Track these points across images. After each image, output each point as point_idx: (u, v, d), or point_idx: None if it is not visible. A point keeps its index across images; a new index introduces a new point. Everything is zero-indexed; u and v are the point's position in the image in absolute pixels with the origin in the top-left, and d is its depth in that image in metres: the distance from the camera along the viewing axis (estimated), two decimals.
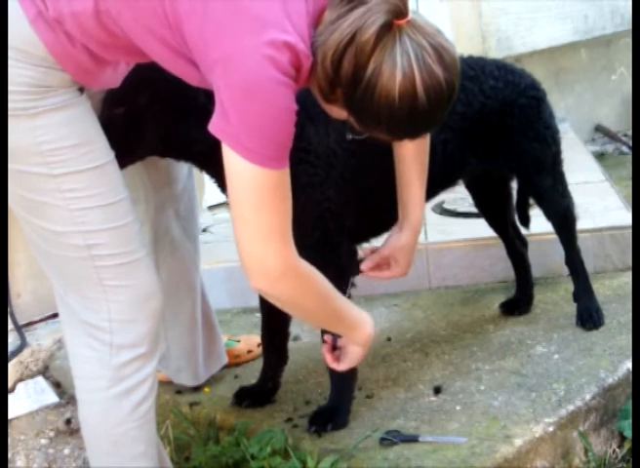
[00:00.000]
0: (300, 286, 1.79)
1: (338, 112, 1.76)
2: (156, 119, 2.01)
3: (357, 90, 1.66)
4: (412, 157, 2.11)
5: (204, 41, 1.64)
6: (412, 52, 1.62)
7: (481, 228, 2.90)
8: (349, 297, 2.22)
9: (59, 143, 1.74)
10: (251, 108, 1.62)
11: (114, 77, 1.89)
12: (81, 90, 1.80)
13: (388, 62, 1.62)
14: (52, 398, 2.79)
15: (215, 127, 1.66)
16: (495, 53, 4.39)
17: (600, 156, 4.69)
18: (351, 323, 1.93)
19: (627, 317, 2.58)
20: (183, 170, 2.33)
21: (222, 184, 2.15)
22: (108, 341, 1.86)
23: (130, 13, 1.68)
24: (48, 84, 1.72)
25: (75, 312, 1.88)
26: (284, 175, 1.71)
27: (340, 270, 2.18)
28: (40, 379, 2.84)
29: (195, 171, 2.32)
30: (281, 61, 1.62)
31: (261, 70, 1.61)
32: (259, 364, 2.45)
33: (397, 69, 1.62)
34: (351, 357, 1.99)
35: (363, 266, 2.16)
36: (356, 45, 1.62)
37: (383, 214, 2.24)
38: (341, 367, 2.02)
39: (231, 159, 1.67)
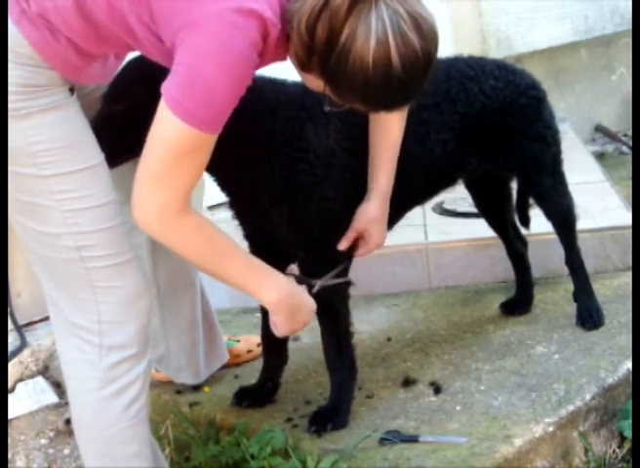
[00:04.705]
0: (177, 236, 1.78)
1: (314, 82, 1.76)
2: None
3: (332, 56, 1.65)
4: (386, 126, 2.09)
5: (172, 11, 1.64)
6: (387, 18, 1.61)
7: (481, 228, 2.89)
8: (346, 297, 2.23)
9: (50, 144, 1.75)
10: (205, 71, 1.62)
11: (104, 72, 1.90)
12: (71, 90, 1.81)
13: (363, 28, 1.61)
14: (52, 398, 2.79)
15: (163, 86, 1.67)
16: (495, 53, 4.39)
17: (600, 156, 4.69)
18: (249, 286, 1.90)
19: (627, 317, 2.58)
20: None
21: (222, 183, 2.16)
22: (98, 343, 1.87)
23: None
24: (37, 83, 1.73)
25: (65, 314, 1.89)
26: (210, 139, 1.70)
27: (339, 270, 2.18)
28: (40, 379, 2.84)
29: None
30: (246, 30, 1.62)
31: (225, 36, 1.61)
32: (259, 364, 2.45)
33: (371, 35, 1.61)
34: (274, 325, 1.98)
35: (340, 246, 2.15)
36: (330, 9, 1.62)
37: None
38: (276, 333, 2.01)
39: (164, 114, 1.66)
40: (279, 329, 1.98)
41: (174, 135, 1.67)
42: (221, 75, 1.63)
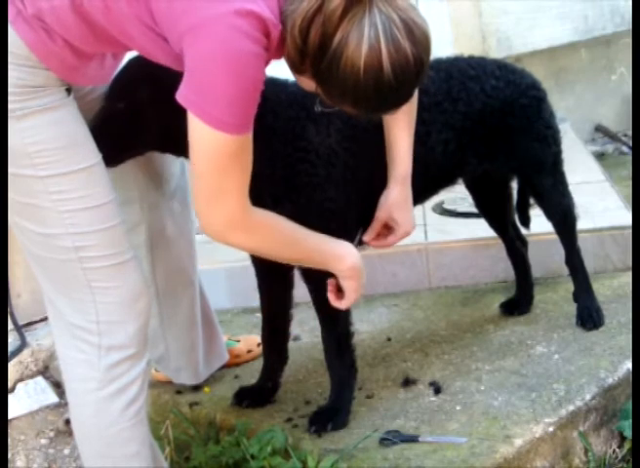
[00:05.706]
0: (252, 237, 1.82)
1: (307, 83, 1.77)
2: (157, 114, 2.01)
3: (324, 60, 1.66)
4: (400, 112, 2.06)
5: (172, 13, 1.65)
6: (380, 24, 1.62)
7: (481, 228, 2.90)
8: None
9: (46, 145, 1.75)
10: (218, 77, 1.63)
11: (103, 73, 1.90)
12: (68, 90, 1.81)
13: (355, 33, 1.62)
14: (52, 398, 2.79)
15: (181, 95, 1.67)
16: (495, 53, 4.39)
17: (600, 156, 4.69)
18: (326, 258, 1.94)
19: (627, 317, 2.58)
20: (176, 167, 2.33)
21: None
22: (97, 343, 1.86)
23: (99, 1, 1.69)
24: (34, 84, 1.73)
25: (63, 315, 1.88)
26: (246, 139, 1.72)
27: None
28: (40, 379, 2.84)
29: None
30: (248, 30, 1.62)
31: (229, 40, 1.61)
32: (259, 364, 2.45)
33: (364, 41, 1.62)
34: (347, 292, 1.99)
35: (365, 238, 2.16)
36: (324, 13, 1.63)
37: None
38: (343, 304, 2.02)
39: (195, 125, 1.68)
40: (352, 295, 1.98)
41: (213, 145, 1.69)
42: (233, 78, 1.63)
